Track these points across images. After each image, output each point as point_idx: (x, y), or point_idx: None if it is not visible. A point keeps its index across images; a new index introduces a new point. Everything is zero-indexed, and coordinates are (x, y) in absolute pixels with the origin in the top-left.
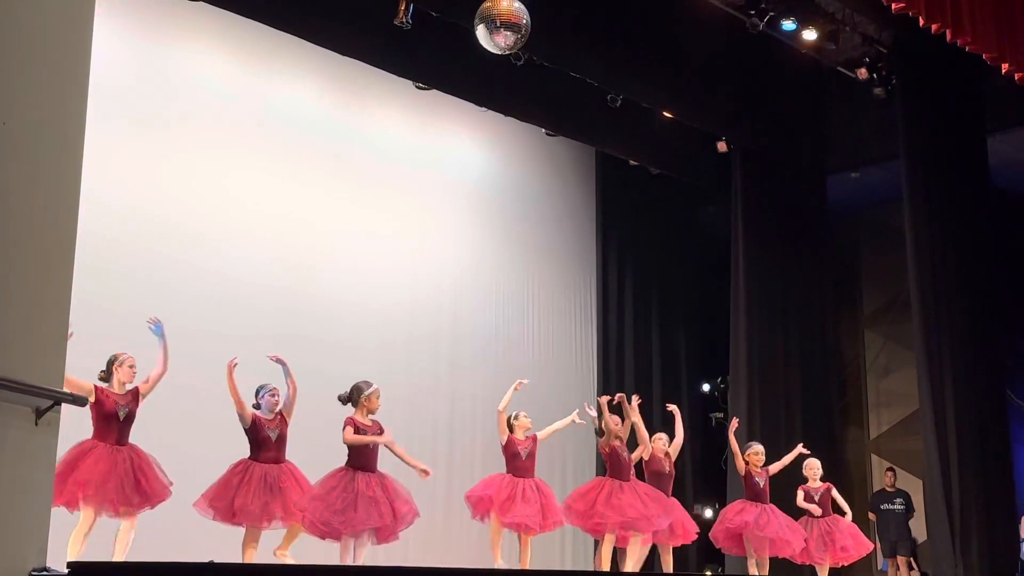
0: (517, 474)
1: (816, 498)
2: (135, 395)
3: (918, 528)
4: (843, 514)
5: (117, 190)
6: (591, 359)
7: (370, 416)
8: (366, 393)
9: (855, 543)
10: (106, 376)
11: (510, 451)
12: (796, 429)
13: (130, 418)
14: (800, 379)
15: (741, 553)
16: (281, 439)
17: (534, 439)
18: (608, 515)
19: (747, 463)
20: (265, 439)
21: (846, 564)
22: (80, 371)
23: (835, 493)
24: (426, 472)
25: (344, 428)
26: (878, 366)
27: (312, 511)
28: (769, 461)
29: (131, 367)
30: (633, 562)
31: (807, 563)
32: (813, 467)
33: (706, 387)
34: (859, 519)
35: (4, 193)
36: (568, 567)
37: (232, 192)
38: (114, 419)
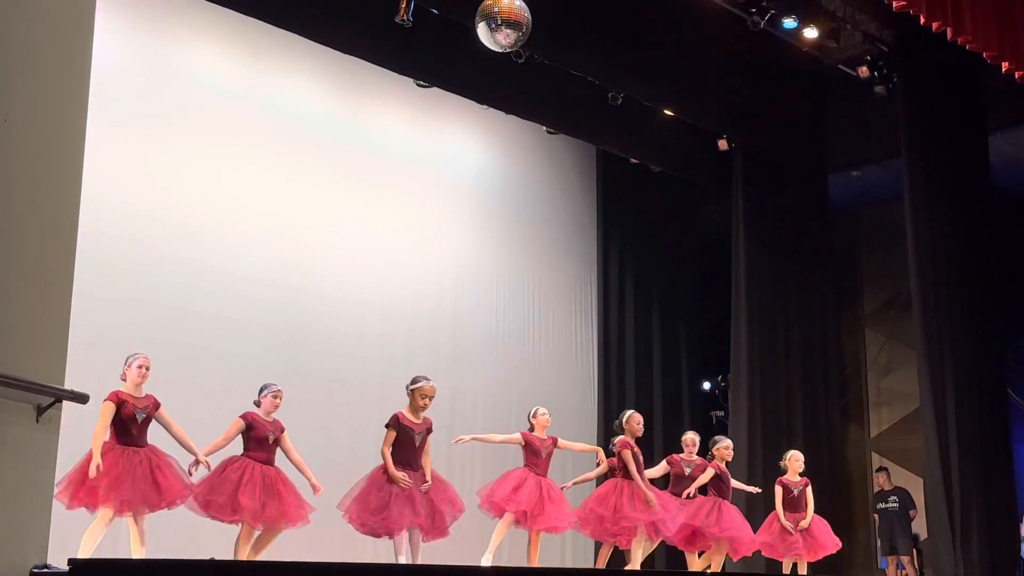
0: (537, 472)
1: (795, 492)
2: (155, 402)
3: (919, 526)
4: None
5: (119, 187)
6: (592, 357)
7: (422, 414)
8: (411, 387)
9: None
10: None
11: (532, 447)
12: (796, 427)
13: (147, 421)
14: (801, 377)
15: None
16: (275, 444)
17: (554, 441)
18: (632, 517)
19: (713, 457)
20: (262, 439)
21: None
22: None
23: (809, 491)
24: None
25: (387, 432)
26: (879, 364)
27: (352, 512)
28: (771, 460)
29: (139, 367)
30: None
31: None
32: (797, 460)
33: (707, 385)
34: (861, 517)
35: (5, 190)
36: (568, 566)
37: (233, 189)
38: (132, 422)
